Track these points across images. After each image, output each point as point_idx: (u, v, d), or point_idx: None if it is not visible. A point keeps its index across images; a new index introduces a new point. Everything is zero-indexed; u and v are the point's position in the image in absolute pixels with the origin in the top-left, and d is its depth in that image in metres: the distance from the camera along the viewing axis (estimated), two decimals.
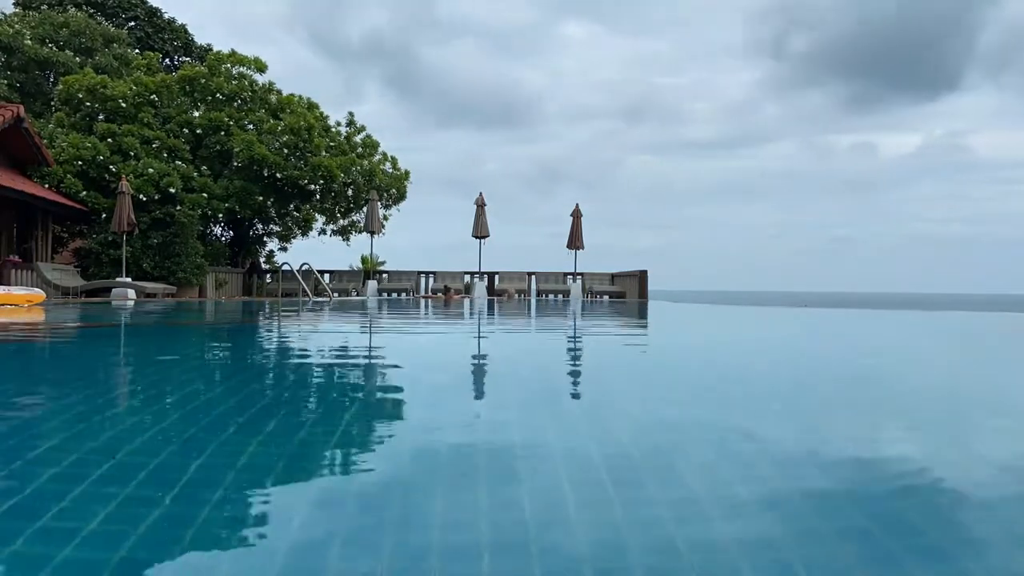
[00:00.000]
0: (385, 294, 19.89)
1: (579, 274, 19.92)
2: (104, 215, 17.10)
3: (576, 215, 19.41)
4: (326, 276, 20.32)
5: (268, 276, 20.96)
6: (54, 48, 22.48)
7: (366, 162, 20.69)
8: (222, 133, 19.13)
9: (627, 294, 19.57)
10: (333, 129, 20.88)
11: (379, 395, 3.10)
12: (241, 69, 20.37)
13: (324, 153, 19.51)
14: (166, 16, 29.11)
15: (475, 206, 19.60)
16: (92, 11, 26.29)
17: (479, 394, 3.17)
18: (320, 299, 17.45)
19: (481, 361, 4.57)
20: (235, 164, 18.88)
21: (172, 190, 17.39)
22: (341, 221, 22.27)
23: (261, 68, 20.60)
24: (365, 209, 20.40)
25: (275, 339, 6.53)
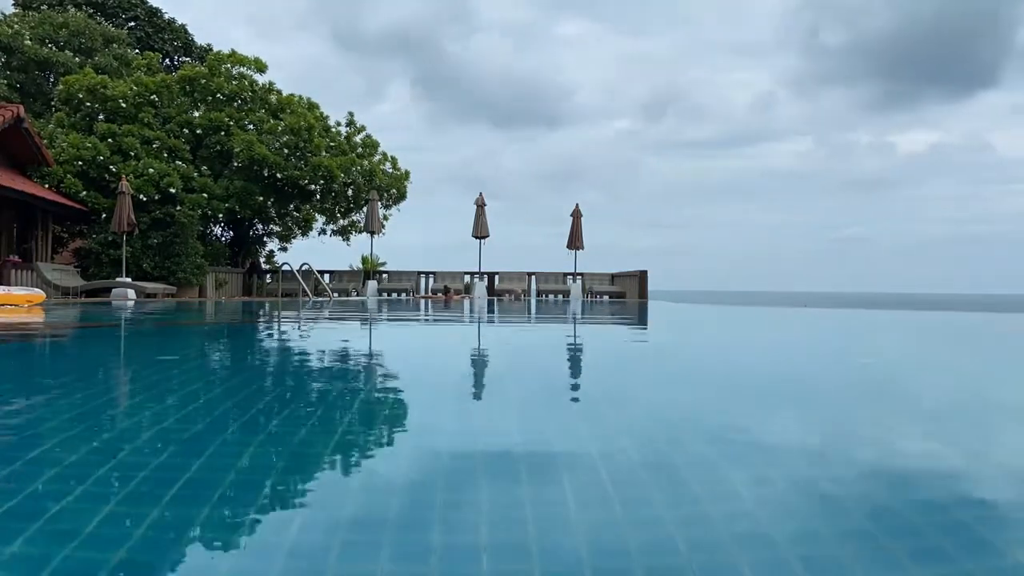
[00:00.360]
0: (385, 294, 19.89)
1: (579, 274, 19.93)
2: (104, 215, 17.10)
3: (576, 215, 19.42)
4: (326, 276, 20.33)
5: (268, 276, 20.96)
6: (54, 48, 22.48)
7: (366, 162, 20.69)
8: (222, 133, 19.13)
9: (627, 294, 19.57)
10: (333, 129, 20.89)
11: (380, 397, 3.10)
12: (241, 69, 20.37)
13: (324, 153, 19.52)
14: (166, 16, 29.11)
15: (475, 206, 19.61)
16: (92, 11, 26.29)
17: (481, 396, 3.17)
18: (320, 299, 17.45)
19: (482, 362, 4.57)
20: (235, 164, 18.88)
21: (172, 190, 17.39)
22: (341, 221, 22.27)
23: (261, 68, 20.60)
24: (365, 209, 20.41)
25: (275, 340, 6.53)
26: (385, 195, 21.32)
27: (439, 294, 19.40)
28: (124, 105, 18.31)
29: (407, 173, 21.96)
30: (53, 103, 20.66)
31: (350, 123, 21.47)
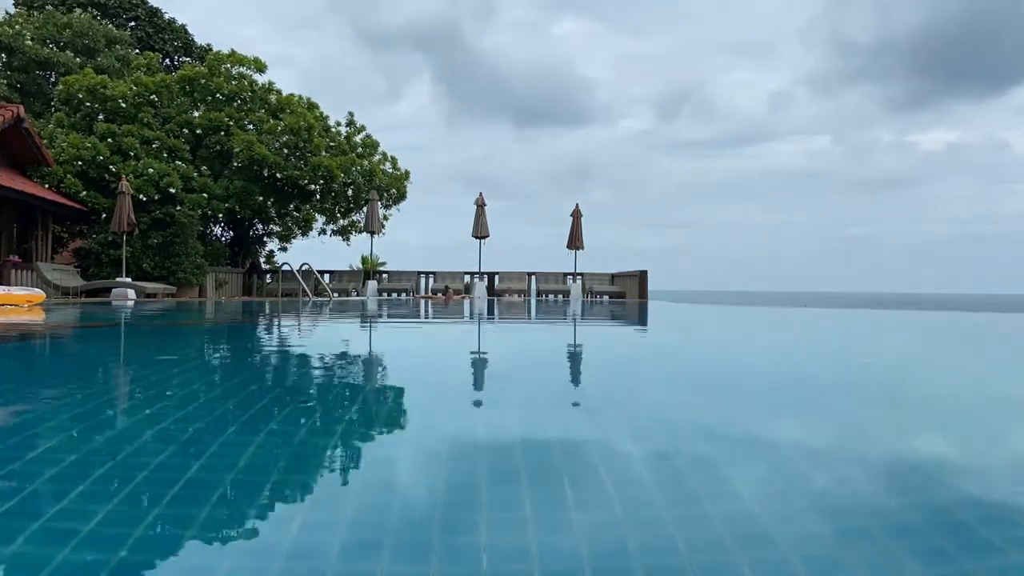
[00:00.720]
0: (385, 294, 19.89)
1: (579, 274, 19.93)
2: (104, 215, 17.10)
3: (576, 215, 19.42)
4: (326, 276, 20.32)
5: (268, 276, 20.96)
6: (54, 48, 22.48)
7: (366, 162, 20.70)
8: (222, 133, 19.13)
9: (627, 294, 19.57)
10: (333, 129, 20.89)
11: (380, 397, 3.10)
12: (241, 69, 20.37)
13: (324, 153, 19.52)
14: (166, 16, 29.13)
15: (475, 206, 19.62)
16: (93, 12, 26.29)
17: (482, 397, 3.17)
18: (320, 299, 17.45)
19: (482, 363, 4.57)
20: (235, 164, 18.88)
21: (172, 190, 17.39)
22: (341, 221, 22.27)
23: (261, 68, 20.61)
24: (365, 209, 20.41)
25: (274, 340, 6.53)
26: (385, 195, 21.33)
27: (439, 294, 19.40)
28: (124, 105, 18.31)
29: (407, 173, 21.97)
30: (53, 103, 20.66)
31: (350, 123, 21.48)
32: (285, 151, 19.05)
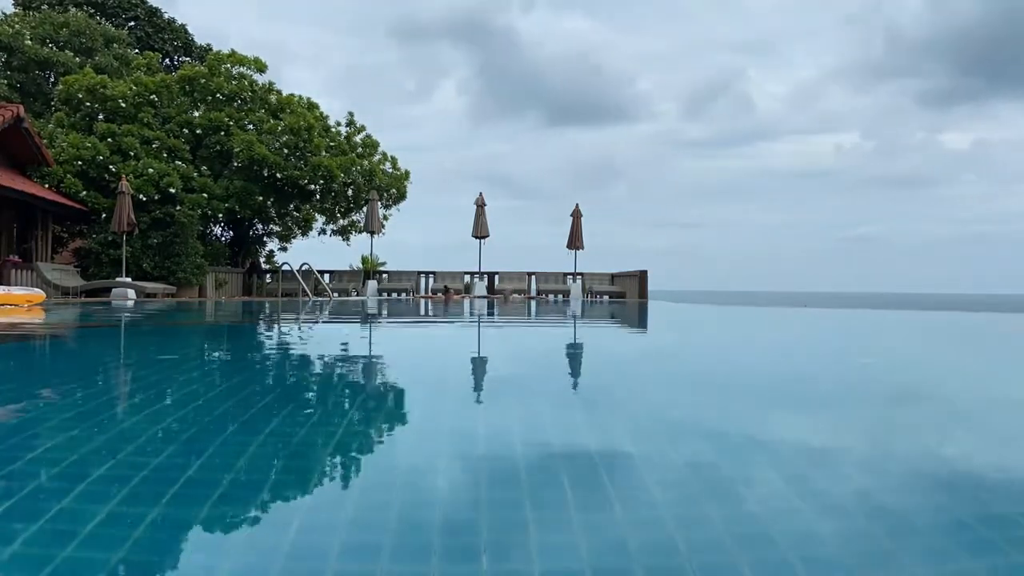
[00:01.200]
0: (385, 294, 19.89)
1: (579, 274, 19.93)
2: (104, 215, 17.10)
3: (576, 215, 19.43)
4: (326, 276, 20.32)
5: (268, 276, 20.96)
6: (54, 48, 22.48)
7: (366, 162, 20.69)
8: (222, 133, 19.12)
9: (627, 294, 19.57)
10: (333, 129, 20.89)
11: (381, 397, 3.10)
12: (241, 69, 20.37)
13: (324, 153, 19.51)
14: (166, 16, 29.14)
15: (475, 206, 19.63)
16: (92, 11, 26.29)
17: (481, 397, 3.17)
18: (320, 299, 17.45)
19: (480, 361, 4.57)
20: (235, 164, 18.87)
21: (172, 190, 17.39)
22: (341, 221, 22.27)
23: (261, 68, 20.61)
24: (365, 209, 20.41)
25: (275, 340, 6.53)
26: (385, 195, 21.33)
27: (439, 294, 19.40)
28: (124, 105, 18.30)
29: (407, 173, 21.98)
30: (53, 103, 20.65)
31: (350, 123, 21.48)
32: (285, 151, 19.04)
